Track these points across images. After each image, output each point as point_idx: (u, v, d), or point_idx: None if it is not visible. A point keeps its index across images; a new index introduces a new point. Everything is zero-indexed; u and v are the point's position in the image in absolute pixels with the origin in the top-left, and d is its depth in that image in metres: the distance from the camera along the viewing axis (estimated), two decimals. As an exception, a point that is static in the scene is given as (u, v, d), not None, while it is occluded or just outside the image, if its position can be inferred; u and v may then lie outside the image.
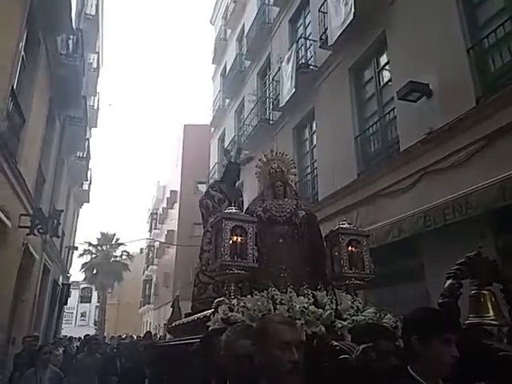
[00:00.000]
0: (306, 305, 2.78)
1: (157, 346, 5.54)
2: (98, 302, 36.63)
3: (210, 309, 3.29)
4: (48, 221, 7.82)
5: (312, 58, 10.07)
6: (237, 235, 3.23)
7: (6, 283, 7.02)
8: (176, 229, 25.67)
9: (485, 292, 2.33)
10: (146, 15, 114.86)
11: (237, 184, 5.44)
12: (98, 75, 15.55)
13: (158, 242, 30.77)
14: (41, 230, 7.50)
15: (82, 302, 42.73)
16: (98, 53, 14.92)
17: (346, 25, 7.72)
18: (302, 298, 2.85)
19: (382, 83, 7.88)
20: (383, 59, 7.89)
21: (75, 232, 18.51)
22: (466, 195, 5.14)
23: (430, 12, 6.35)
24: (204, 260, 4.62)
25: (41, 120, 8.34)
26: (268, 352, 1.48)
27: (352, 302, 3.13)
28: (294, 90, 9.78)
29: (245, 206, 4.49)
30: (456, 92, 5.73)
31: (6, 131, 5.80)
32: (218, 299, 3.13)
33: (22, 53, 6.38)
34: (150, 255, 33.49)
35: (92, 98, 15.08)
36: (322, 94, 9.53)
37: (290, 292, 2.85)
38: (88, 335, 13.05)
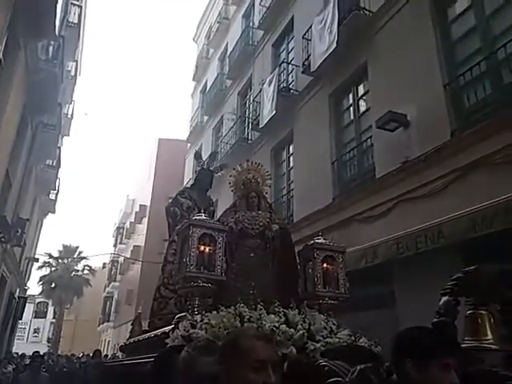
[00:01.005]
0: (276, 324, 2.60)
1: (106, 366, 5.22)
2: (54, 317, 34.87)
3: (170, 325, 3.02)
4: (11, 229, 7.42)
5: (293, 83, 10.28)
6: (205, 244, 2.99)
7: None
8: (143, 244, 25.05)
9: (482, 312, 2.05)
10: (128, 26, 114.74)
11: (208, 192, 5.09)
12: (75, 83, 15.28)
13: (122, 258, 29.84)
14: (3, 239, 7.11)
15: (36, 317, 40.53)
16: (76, 61, 14.68)
17: (329, 52, 7.96)
18: (273, 316, 2.68)
19: (360, 111, 8.11)
20: (363, 88, 8.14)
21: (37, 243, 17.71)
22: (439, 225, 5.30)
23: (410, 46, 6.63)
24: (167, 272, 4.33)
25: (12, 124, 8.03)
26: (239, 372, 1.22)
27: (326, 323, 2.96)
28: (274, 112, 9.91)
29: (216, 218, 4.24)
30: (432, 124, 5.96)
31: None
32: (179, 315, 2.88)
33: (0, 56, 6.17)
34: (113, 271, 32.36)
35: (67, 105, 14.74)
36: (302, 117, 9.70)
37: (260, 309, 2.66)
38: (37, 352, 12.26)
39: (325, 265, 3.39)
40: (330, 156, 8.40)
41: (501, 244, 4.53)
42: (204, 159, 5.19)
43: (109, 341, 30.56)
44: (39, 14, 7.02)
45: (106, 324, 32.15)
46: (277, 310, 2.76)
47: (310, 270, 3.40)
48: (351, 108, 8.38)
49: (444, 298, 2.05)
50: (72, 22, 11.91)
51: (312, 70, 8.68)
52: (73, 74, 14.32)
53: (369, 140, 7.44)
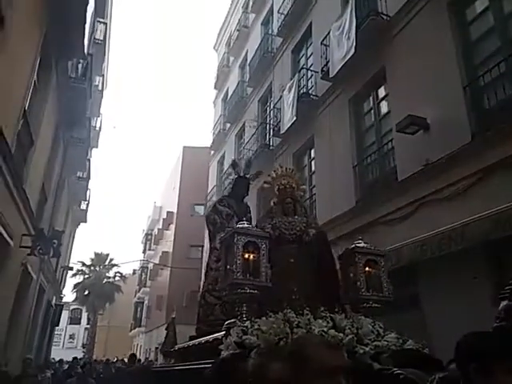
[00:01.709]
0: (325, 329, 2.58)
1: (154, 371, 5.12)
2: (88, 323, 35.94)
3: (217, 331, 3.13)
4: (49, 241, 7.86)
5: (313, 88, 10.40)
6: (249, 252, 3.03)
7: (3, 303, 7.00)
8: (171, 250, 25.56)
9: None
10: (151, 38, 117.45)
11: (245, 199, 5.08)
12: (102, 96, 15.89)
13: (151, 264, 30.51)
14: (41, 251, 7.54)
15: (71, 324, 41.88)
16: (103, 75, 15.29)
17: (347, 58, 8.05)
18: (320, 321, 2.65)
19: (380, 114, 8.15)
20: (382, 92, 8.19)
21: (70, 252, 18.42)
22: (462, 226, 5.31)
23: (429, 49, 6.66)
24: (210, 279, 4.36)
25: (47, 141, 8.51)
26: (310, 380, 1.25)
27: (372, 326, 2.91)
28: (294, 118, 10.05)
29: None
30: (452, 127, 5.97)
31: (15, 152, 5.93)
32: (229, 321, 2.94)
33: (35, 77, 6.59)
34: (143, 277, 33.10)
35: (95, 118, 15.35)
36: (322, 122, 9.80)
37: (307, 314, 2.66)
38: (76, 358, 12.73)
39: (367, 268, 3.39)
40: (352, 159, 8.46)
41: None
42: (240, 166, 5.22)
43: (141, 345, 31.23)
44: (69, 34, 7.43)
45: (137, 329, 32.87)
46: (323, 314, 2.75)
47: (352, 274, 3.40)
48: (371, 111, 8.43)
49: (503, 303, 1.98)
50: (98, 39, 12.46)
51: (331, 75, 8.78)
52: (100, 88, 14.93)
53: (390, 143, 7.48)
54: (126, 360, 17.41)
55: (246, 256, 3.00)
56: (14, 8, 5.06)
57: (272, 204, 4.04)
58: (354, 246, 3.47)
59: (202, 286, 4.76)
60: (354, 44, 7.76)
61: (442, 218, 5.73)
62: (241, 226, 3.15)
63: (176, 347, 4.53)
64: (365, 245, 3.48)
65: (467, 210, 5.33)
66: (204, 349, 3.14)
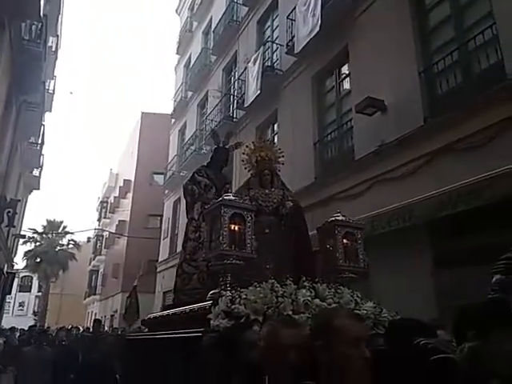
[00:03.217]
0: (309, 298, 2.69)
1: (133, 340, 4.81)
2: (39, 291, 35.13)
3: (196, 301, 3.22)
4: (3, 210, 7.60)
5: (278, 62, 10.44)
6: (235, 223, 3.05)
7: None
8: (128, 219, 25.21)
9: None
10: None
11: (223, 170, 4.97)
12: (57, 58, 15.00)
13: (107, 232, 29.99)
14: (-5, 219, 7.30)
15: (20, 291, 40.68)
16: (57, 35, 14.38)
17: (312, 35, 8.14)
18: (304, 290, 2.75)
19: (342, 93, 8.41)
20: (344, 70, 8.40)
21: (22, 219, 17.74)
22: (410, 204, 5.77)
23: (389, 33, 6.89)
24: (188, 249, 4.31)
25: (-1, 104, 8.07)
26: (338, 349, 1.35)
27: (351, 296, 3.05)
28: (259, 91, 10.10)
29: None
30: (407, 110, 6.32)
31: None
32: (213, 291, 2.97)
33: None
34: (98, 245, 32.58)
35: (49, 81, 14.52)
36: (286, 97, 9.93)
37: (290, 284, 2.75)
38: (34, 326, 12.53)
39: (345, 240, 3.46)
40: (313, 136, 8.72)
41: (463, 223, 5.03)
42: (220, 137, 5.12)
43: (95, 313, 31.04)
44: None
45: (92, 297, 32.59)
46: (306, 284, 2.81)
47: (329, 246, 3.47)
48: (333, 90, 8.66)
49: (496, 276, 2.09)
50: (53, -4, 11.65)
51: (296, 51, 8.86)
52: (54, 49, 14.07)
53: (349, 122, 7.78)
54: (79, 327, 17.35)
55: (232, 228, 3.03)
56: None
57: (250, 175, 4.07)
58: (333, 218, 3.53)
59: (179, 257, 4.71)
60: (320, 22, 7.85)
61: (394, 196, 6.17)
62: (227, 197, 3.16)
63: (153, 315, 4.42)
64: (344, 218, 3.55)
65: (416, 189, 5.78)
66: (189, 317, 3.13)
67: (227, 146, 4.89)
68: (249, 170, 4.12)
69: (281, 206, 3.77)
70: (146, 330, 4.60)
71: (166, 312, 3.99)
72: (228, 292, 2.74)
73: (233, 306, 2.56)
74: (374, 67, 7.11)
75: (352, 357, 1.34)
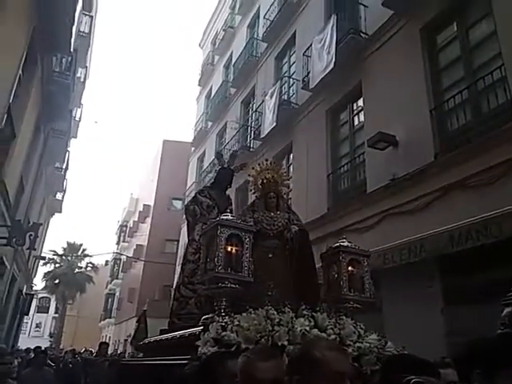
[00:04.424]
0: (307, 327, 2.51)
1: (126, 365, 4.82)
2: (56, 312, 35.48)
3: (190, 326, 3.06)
4: (25, 233, 7.93)
5: (294, 96, 10.75)
6: (232, 245, 2.91)
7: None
8: (146, 244, 25.55)
9: None
10: (136, 32, 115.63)
11: (227, 192, 4.87)
12: (84, 88, 15.80)
13: (124, 256, 30.36)
14: (17, 242, 7.61)
15: (38, 312, 41.07)
16: (86, 67, 15.20)
17: (326, 72, 8.42)
18: (302, 319, 2.59)
19: (355, 127, 8.58)
20: (358, 105, 8.61)
21: (43, 241, 18.24)
22: (421, 239, 5.79)
23: (401, 70, 7.09)
24: (187, 271, 4.18)
25: (28, 134, 8.55)
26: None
27: (354, 327, 2.87)
28: (274, 123, 10.39)
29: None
30: (419, 146, 6.43)
31: (-3, 145, 6.04)
32: (206, 316, 2.81)
33: (20, 72, 6.67)
34: (116, 268, 32.88)
35: (76, 109, 15.27)
36: (301, 130, 10.17)
37: (289, 312, 2.59)
38: (39, 347, 12.46)
39: (350, 268, 3.30)
40: (326, 168, 8.86)
41: (471, 260, 5.01)
42: (224, 158, 5.05)
43: (109, 337, 31.05)
44: (56, 30, 7.51)
45: (107, 320, 32.68)
46: (305, 313, 2.67)
47: (334, 273, 3.31)
48: (347, 124, 8.85)
49: (507, 309, 1.99)
50: (83, 32, 12.42)
51: (311, 86, 9.15)
52: (82, 79, 14.86)
53: (361, 156, 7.91)
54: (92, 350, 17.32)
55: (229, 249, 2.89)
56: (2, 5, 5.17)
57: (255, 198, 3.96)
58: (338, 244, 3.37)
59: (177, 279, 4.57)
60: (334, 59, 8.14)
61: (404, 230, 6.20)
62: (225, 217, 3.01)
63: (147, 340, 4.31)
64: (349, 244, 3.39)
65: (427, 224, 5.80)
66: (179, 344, 2.99)
67: (232, 167, 4.79)
68: (254, 192, 4.02)
69: (286, 230, 3.62)
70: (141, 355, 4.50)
71: (158, 337, 3.87)
72: (221, 318, 2.59)
73: (223, 334, 2.41)
74: (387, 103, 7.28)
75: None
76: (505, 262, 4.62)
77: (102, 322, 34.39)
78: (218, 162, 5.00)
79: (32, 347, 16.49)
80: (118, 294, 31.70)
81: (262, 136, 11.25)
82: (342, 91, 8.73)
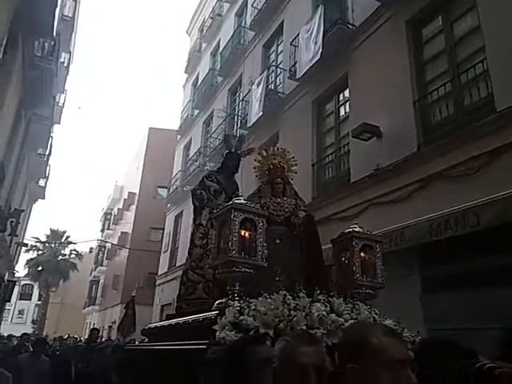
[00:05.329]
0: (324, 312, 2.49)
1: (132, 350, 4.58)
2: (39, 299, 35.21)
3: (200, 310, 3.05)
4: (6, 219, 7.83)
5: (280, 85, 10.75)
6: (246, 229, 2.86)
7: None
8: (130, 231, 25.42)
9: None
10: (122, 17, 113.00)
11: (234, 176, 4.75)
12: (68, 73, 15.48)
13: (109, 244, 30.18)
14: (-1, 229, 7.52)
15: (21, 299, 40.76)
16: (70, 52, 14.87)
17: (313, 62, 8.44)
18: (319, 304, 2.56)
19: (340, 118, 8.65)
20: (344, 96, 8.67)
21: (26, 228, 18.00)
22: (402, 228, 5.92)
23: (386, 62, 7.16)
24: (195, 256, 4.11)
25: (9, 119, 8.37)
26: (375, 373, 1.09)
27: (369, 312, 2.85)
28: (261, 113, 10.39)
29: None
30: (402, 137, 6.54)
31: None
32: (220, 300, 2.78)
33: (0, 56, 6.51)
34: (100, 256, 32.73)
35: (59, 95, 14.96)
36: (287, 119, 10.20)
37: (304, 297, 2.58)
38: (26, 334, 12.44)
39: (362, 253, 3.28)
40: (311, 158, 8.93)
41: (449, 249, 5.16)
42: (232, 141, 4.91)
43: (94, 323, 30.97)
44: (39, 14, 7.32)
45: (91, 307, 32.62)
46: (320, 298, 2.65)
47: (344, 259, 3.29)
48: (332, 115, 8.91)
49: None
50: (67, 16, 12.13)
51: (297, 76, 9.16)
52: (66, 64, 14.54)
53: (346, 146, 8.00)
54: (77, 337, 17.29)
55: (243, 233, 2.85)
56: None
57: (261, 183, 3.92)
58: (350, 230, 3.34)
59: (184, 264, 4.47)
60: (321, 50, 8.15)
61: (387, 219, 6.32)
62: (238, 201, 2.95)
63: (153, 325, 4.20)
64: (361, 229, 3.36)
65: (409, 213, 5.93)
66: (191, 328, 2.91)
67: (239, 152, 4.70)
68: (260, 178, 3.99)
69: (293, 216, 3.61)
70: (146, 340, 4.40)
71: (167, 322, 3.77)
72: (236, 302, 2.55)
73: (241, 318, 2.37)
74: (372, 95, 7.35)
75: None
76: (481, 251, 4.78)
77: (86, 309, 34.31)
78: (225, 146, 4.92)
79: (14, 334, 16.46)
80: (102, 281, 31.59)
81: (248, 125, 11.24)
82: (328, 82, 8.77)
